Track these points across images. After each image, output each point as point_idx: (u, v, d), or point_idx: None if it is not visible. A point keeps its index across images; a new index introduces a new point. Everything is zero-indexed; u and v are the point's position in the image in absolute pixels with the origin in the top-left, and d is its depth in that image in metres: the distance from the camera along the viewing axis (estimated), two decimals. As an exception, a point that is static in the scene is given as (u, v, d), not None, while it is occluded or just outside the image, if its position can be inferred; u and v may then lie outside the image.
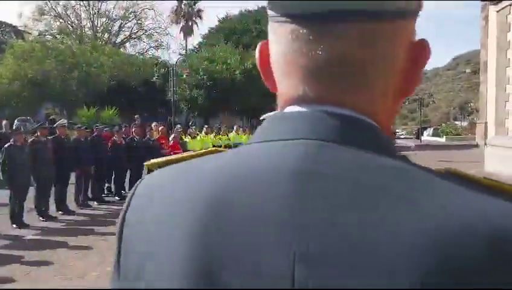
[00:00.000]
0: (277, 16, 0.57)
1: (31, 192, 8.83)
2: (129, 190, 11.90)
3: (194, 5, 52.13)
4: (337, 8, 0.52)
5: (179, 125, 15.74)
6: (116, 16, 42.35)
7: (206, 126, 16.76)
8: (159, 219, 0.54)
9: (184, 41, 49.38)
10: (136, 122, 17.86)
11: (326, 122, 0.53)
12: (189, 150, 12.04)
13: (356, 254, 0.45)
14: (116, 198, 11.43)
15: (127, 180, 11.94)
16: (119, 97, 29.38)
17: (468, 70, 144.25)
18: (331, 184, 0.48)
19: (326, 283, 0.45)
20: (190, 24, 51.58)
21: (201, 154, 0.65)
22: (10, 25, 38.87)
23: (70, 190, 10.09)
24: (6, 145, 8.39)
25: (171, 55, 68.76)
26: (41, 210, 9.04)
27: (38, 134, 9.22)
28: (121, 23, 43.10)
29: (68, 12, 40.63)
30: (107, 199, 11.34)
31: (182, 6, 51.55)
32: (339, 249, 0.45)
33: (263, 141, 0.55)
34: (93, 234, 7.80)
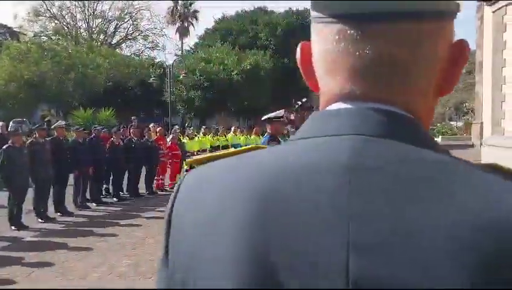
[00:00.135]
0: (322, 16, 0.59)
1: (29, 193, 8.79)
2: (127, 191, 11.93)
3: (190, 5, 52.06)
4: (383, 9, 0.54)
5: (176, 126, 15.72)
6: (111, 16, 42.26)
7: (204, 127, 16.74)
8: (209, 211, 0.56)
9: (180, 42, 49.34)
10: (133, 123, 17.84)
11: (372, 118, 0.55)
12: (187, 151, 12.02)
13: (403, 246, 0.46)
14: (114, 199, 11.40)
15: (124, 181, 11.92)
16: (115, 98, 29.33)
17: (463, 71, 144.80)
18: (378, 177, 0.50)
19: (378, 273, 0.46)
20: (186, 25, 51.49)
21: (243, 151, 0.67)
22: (5, 26, 38.72)
23: (69, 191, 10.05)
24: (4, 147, 8.36)
25: (167, 56, 68.60)
26: (40, 211, 9.01)
27: (37, 135, 9.19)
28: (117, 24, 43.03)
29: (63, 13, 40.53)
30: (105, 200, 11.30)
31: (178, 7, 51.47)
32: (389, 240, 0.47)
33: (310, 137, 0.57)
34: (93, 235, 7.78)
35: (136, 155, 11.75)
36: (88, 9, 40.91)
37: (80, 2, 39.97)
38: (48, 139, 9.55)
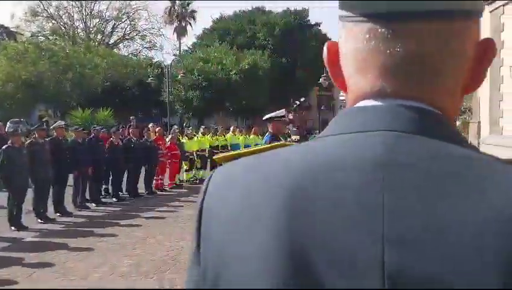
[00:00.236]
0: (352, 16, 0.60)
1: (29, 194, 8.77)
2: (126, 191, 11.92)
3: (188, 5, 52.02)
4: (414, 8, 0.55)
5: (176, 126, 15.69)
6: (109, 16, 42.17)
7: (203, 127, 16.71)
8: (241, 207, 0.56)
9: (178, 42, 49.31)
10: (132, 123, 17.82)
11: (402, 115, 0.56)
12: (187, 151, 12.00)
13: (435, 241, 0.48)
14: (114, 199, 11.39)
15: (124, 181, 11.91)
16: (113, 98, 29.28)
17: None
18: (410, 173, 0.51)
19: (412, 268, 0.47)
20: (184, 25, 51.46)
21: (270, 148, 0.68)
22: (2, 26, 38.58)
23: (68, 192, 10.04)
24: (4, 147, 8.34)
25: (165, 56, 68.65)
26: (40, 212, 8.99)
27: (36, 136, 9.17)
28: (114, 24, 42.91)
29: (60, 13, 40.41)
30: (104, 200, 11.29)
31: (175, 7, 51.42)
32: (421, 235, 0.48)
33: (340, 134, 0.58)
34: (93, 235, 7.77)
35: (135, 155, 11.74)
36: (85, 9, 40.82)
37: (77, 2, 39.86)
38: (47, 139, 9.53)
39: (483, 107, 17.86)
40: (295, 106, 38.55)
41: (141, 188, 12.32)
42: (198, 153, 14.78)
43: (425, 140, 0.54)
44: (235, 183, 0.60)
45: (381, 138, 0.54)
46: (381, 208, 0.50)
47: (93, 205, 10.67)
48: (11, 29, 38.43)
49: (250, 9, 38.16)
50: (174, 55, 41.08)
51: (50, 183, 9.27)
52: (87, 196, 10.73)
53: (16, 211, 8.41)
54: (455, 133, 0.57)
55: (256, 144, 17.64)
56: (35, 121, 31.39)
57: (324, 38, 36.80)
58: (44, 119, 27.32)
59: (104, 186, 11.71)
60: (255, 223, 0.54)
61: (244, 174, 0.60)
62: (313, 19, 36.69)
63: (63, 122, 10.85)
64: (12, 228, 8.24)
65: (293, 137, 4.94)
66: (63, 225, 8.75)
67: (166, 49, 66.90)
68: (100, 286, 5.31)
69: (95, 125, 12.66)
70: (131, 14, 43.05)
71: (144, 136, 12.62)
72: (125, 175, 11.87)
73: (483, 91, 17.91)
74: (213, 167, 15.67)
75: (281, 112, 5.79)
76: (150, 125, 13.98)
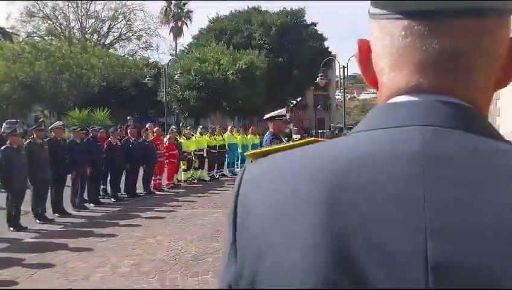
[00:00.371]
0: (387, 13, 0.61)
1: (27, 195, 8.75)
2: (124, 191, 11.91)
3: (184, 5, 51.97)
4: (450, 6, 0.57)
5: (174, 126, 15.69)
6: (105, 17, 42.06)
7: (200, 127, 16.70)
8: (280, 201, 0.57)
9: (174, 42, 49.26)
10: (129, 123, 17.79)
11: (439, 110, 0.57)
12: (184, 151, 11.97)
13: (475, 233, 0.49)
14: (112, 200, 11.37)
15: (122, 181, 11.90)
16: (109, 98, 29.23)
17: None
18: (449, 167, 0.53)
19: (455, 259, 0.49)
20: (180, 25, 51.42)
21: (303, 144, 0.69)
22: (-2, 27, 38.42)
23: (66, 192, 10.02)
24: (2, 148, 8.32)
25: (161, 56, 68.49)
26: (38, 213, 8.97)
27: (34, 136, 9.14)
28: (110, 24, 42.81)
29: (56, 13, 40.27)
30: (102, 200, 11.27)
31: (171, 7, 51.37)
32: (462, 227, 0.49)
33: (376, 129, 0.59)
34: (93, 235, 7.76)
35: (133, 155, 11.74)
36: (81, 10, 40.70)
37: (73, 2, 39.74)
38: (45, 140, 9.51)
39: (480, 105, 18.00)
40: (291, 105, 38.60)
41: (139, 188, 12.31)
42: (196, 152, 14.78)
43: (462, 134, 0.55)
44: (272, 177, 0.60)
45: (419, 132, 0.55)
46: (422, 201, 0.51)
47: (92, 205, 10.66)
48: (7, 29, 38.27)
49: (246, 9, 38.17)
50: (170, 55, 41.02)
51: (49, 183, 9.25)
52: (86, 197, 10.72)
53: (15, 211, 8.39)
54: (490, 128, 0.58)
55: (254, 144, 17.68)
56: (31, 122, 31.35)
57: (320, 38, 36.88)
58: (40, 120, 27.26)
59: (102, 186, 11.69)
60: (295, 216, 0.55)
61: (281, 168, 0.61)
62: (309, 18, 36.56)
63: (61, 123, 10.82)
64: (11, 228, 8.22)
65: (294, 136, 4.93)
66: (62, 226, 8.73)
67: (163, 49, 66.82)
68: (103, 287, 5.31)
69: (93, 126, 12.61)
70: (127, 14, 42.98)
71: (142, 136, 12.61)
72: (123, 175, 11.87)
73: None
74: (211, 167, 15.71)
75: (282, 111, 5.79)
76: (148, 125, 13.95)
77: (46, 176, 9.00)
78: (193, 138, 15.03)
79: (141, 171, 12.33)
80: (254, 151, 0.74)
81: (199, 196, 11.87)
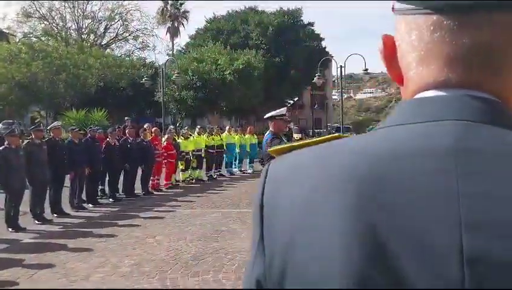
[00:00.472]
0: (415, 8, 0.61)
1: (26, 195, 8.72)
2: (122, 191, 11.89)
3: (180, 6, 51.92)
4: (481, 1, 0.57)
5: (172, 126, 15.67)
6: (101, 17, 41.98)
7: (198, 127, 16.70)
8: (310, 195, 0.57)
9: (171, 42, 49.21)
10: (127, 123, 17.76)
11: (470, 104, 0.57)
12: (182, 151, 11.94)
13: (510, 225, 0.49)
14: (110, 200, 11.35)
15: (120, 181, 11.89)
16: (107, 99, 29.17)
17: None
18: (482, 160, 0.53)
19: (491, 252, 0.49)
20: (176, 25, 51.37)
21: (327, 140, 0.69)
22: (-6, 27, 38.29)
23: (64, 192, 10.00)
24: (0, 148, 8.29)
25: (158, 56, 68.40)
26: (37, 213, 8.95)
27: (33, 136, 9.12)
28: (107, 25, 42.72)
29: (53, 13, 40.17)
30: (101, 201, 11.25)
31: (168, 7, 51.32)
32: (497, 220, 0.50)
33: (405, 124, 0.59)
34: (92, 236, 7.74)
35: (131, 155, 11.72)
36: (78, 10, 40.61)
37: (69, 3, 39.64)
38: (44, 140, 9.48)
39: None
40: (288, 105, 38.58)
41: (137, 188, 12.29)
42: (194, 152, 14.77)
43: (493, 129, 0.55)
44: (300, 172, 0.60)
45: (450, 127, 0.56)
46: (456, 194, 0.51)
47: (90, 205, 10.64)
48: (3, 30, 38.13)
49: (243, 9, 38.13)
50: (167, 55, 40.98)
51: (47, 184, 9.23)
52: (84, 197, 10.70)
53: (13, 212, 8.36)
54: None
55: (252, 144, 17.68)
56: (28, 122, 31.22)
57: (317, 37, 36.89)
58: (36, 121, 27.14)
59: (100, 187, 11.67)
60: (326, 211, 0.55)
61: (309, 163, 0.61)
62: (306, 18, 36.55)
63: (59, 123, 10.79)
64: (10, 229, 8.20)
65: (295, 135, 4.91)
66: (61, 226, 8.71)
67: (159, 49, 66.71)
68: (104, 287, 5.30)
69: (91, 126, 12.58)
70: (123, 14, 42.91)
71: (140, 136, 12.59)
72: (121, 175, 11.86)
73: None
74: (209, 167, 15.70)
75: (282, 110, 5.79)
76: (146, 125, 13.93)
77: (44, 176, 8.97)
78: (191, 138, 15.02)
79: (139, 172, 12.31)
80: (277, 147, 0.74)
81: (198, 196, 11.85)
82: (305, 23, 36.98)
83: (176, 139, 14.36)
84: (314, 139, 0.73)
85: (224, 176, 16.39)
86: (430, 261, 0.50)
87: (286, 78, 33.49)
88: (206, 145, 15.27)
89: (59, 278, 5.59)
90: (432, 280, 0.49)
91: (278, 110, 5.68)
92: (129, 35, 44.03)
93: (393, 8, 0.66)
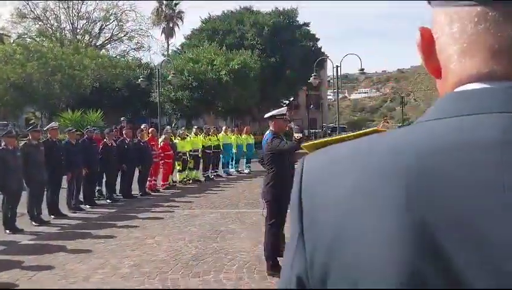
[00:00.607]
0: (457, 0, 0.60)
1: (23, 196, 8.67)
2: (120, 192, 11.84)
3: (175, 6, 51.88)
4: None
5: (168, 127, 15.64)
6: (96, 17, 41.86)
7: (195, 127, 16.69)
8: (354, 190, 0.56)
9: (166, 42, 49.15)
10: (123, 124, 17.71)
11: None
12: (179, 151, 11.88)
13: None
14: (108, 201, 11.31)
15: (117, 182, 11.85)
16: (102, 99, 29.10)
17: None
18: None
19: None
20: (171, 25, 51.32)
21: (364, 134, 0.68)
22: (-13, 28, 38.08)
23: (62, 194, 9.95)
24: (-3, 149, 8.24)
25: (153, 56, 68.35)
26: (34, 215, 8.90)
27: (30, 137, 9.07)
28: (102, 25, 42.59)
29: (47, 14, 40.01)
30: (98, 202, 11.19)
31: (163, 7, 51.25)
32: None
33: (449, 117, 0.58)
34: (90, 237, 7.70)
35: (129, 156, 11.69)
36: (72, 11, 40.47)
37: (64, 3, 39.50)
38: (41, 141, 9.43)
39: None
40: (284, 105, 38.63)
41: (134, 189, 12.25)
42: (191, 153, 14.75)
43: None
44: (340, 167, 0.59)
45: (496, 119, 0.55)
46: (502, 186, 0.50)
47: (88, 206, 10.59)
48: (-3, 31, 37.96)
49: (238, 9, 38.13)
50: (163, 55, 40.90)
51: (44, 185, 9.18)
52: (81, 198, 10.65)
53: (11, 214, 8.31)
54: None
55: (248, 144, 17.67)
56: (22, 124, 31.07)
57: (313, 38, 36.94)
58: (31, 122, 27.02)
59: (97, 187, 11.63)
60: (373, 205, 0.54)
61: (348, 158, 0.60)
62: (301, 18, 36.56)
63: (56, 124, 10.73)
64: (7, 231, 8.14)
65: (296, 135, 4.90)
66: (59, 227, 8.66)
67: (154, 50, 66.39)
68: (106, 287, 5.27)
69: (88, 127, 12.53)
70: (118, 15, 42.81)
71: (137, 137, 12.55)
72: (119, 176, 11.81)
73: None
74: (206, 167, 15.68)
75: (283, 109, 5.78)
76: (143, 126, 13.90)
77: (41, 177, 8.93)
78: (188, 138, 15.00)
79: (136, 172, 12.27)
80: (311, 142, 0.73)
81: (196, 197, 11.83)
82: (301, 23, 37.02)
83: (173, 139, 14.33)
84: (349, 134, 0.72)
85: (221, 176, 16.37)
86: (483, 255, 0.49)
87: (281, 78, 33.53)
88: (203, 146, 15.25)
89: (59, 280, 5.55)
90: (493, 273, 0.48)
91: (278, 110, 5.68)
92: (124, 35, 43.95)
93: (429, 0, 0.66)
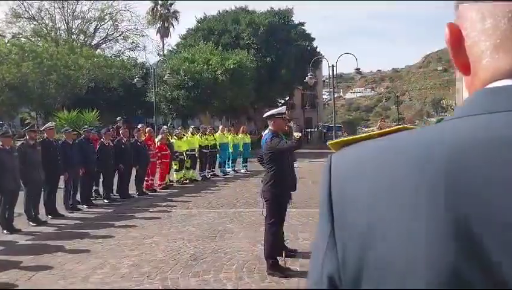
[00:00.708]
0: None
1: (20, 197, 8.63)
2: (117, 192, 11.81)
3: (170, 6, 51.75)
4: None
5: (165, 127, 15.60)
6: (91, 17, 41.67)
7: (192, 127, 16.67)
8: (386, 188, 0.56)
9: (161, 42, 49.02)
10: (119, 124, 17.64)
11: None
12: (176, 151, 11.84)
13: None
14: (105, 201, 11.27)
15: (114, 182, 11.81)
16: (98, 99, 28.98)
17: (439, 68, 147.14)
18: None
19: None
20: (167, 25, 51.19)
21: (391, 132, 0.68)
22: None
23: (59, 194, 9.91)
24: (-6, 150, 8.19)
25: (148, 56, 68.14)
26: (31, 215, 8.86)
27: (27, 137, 9.03)
28: (97, 25, 42.42)
29: (42, 14, 39.80)
30: (95, 202, 11.15)
31: (158, 7, 51.11)
32: None
33: (482, 114, 0.58)
34: (88, 237, 7.68)
35: (126, 156, 11.66)
36: (67, 10, 40.27)
37: (58, 3, 39.30)
38: (38, 141, 9.39)
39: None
40: (280, 104, 38.59)
41: (131, 189, 12.22)
42: (188, 152, 14.73)
43: None
44: (370, 165, 0.59)
45: None
46: None
47: (85, 206, 10.55)
48: (-9, 31, 37.72)
49: (233, 9, 38.05)
50: (158, 55, 40.80)
51: (41, 185, 9.14)
52: (78, 198, 10.61)
53: (8, 214, 8.28)
54: None
55: (245, 143, 17.65)
56: (18, 124, 30.90)
57: (308, 37, 36.92)
58: (26, 122, 26.89)
59: (94, 187, 11.59)
60: (408, 203, 0.54)
61: (379, 155, 0.60)
62: (296, 18, 36.45)
63: (53, 124, 10.68)
64: (5, 231, 8.11)
65: (295, 134, 4.88)
66: (56, 228, 8.63)
67: (150, 49, 66.39)
68: (106, 287, 5.26)
69: (85, 127, 12.49)
70: (113, 14, 42.62)
71: (134, 137, 12.52)
72: (116, 176, 11.77)
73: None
74: (203, 167, 15.66)
75: (282, 109, 5.79)
76: (140, 125, 13.86)
77: (38, 177, 8.89)
78: (185, 138, 14.97)
79: (133, 172, 12.24)
80: (338, 140, 0.73)
81: (193, 196, 11.81)
82: (296, 23, 37.00)
83: (170, 139, 14.30)
84: (377, 132, 0.72)
85: (218, 176, 16.36)
86: None
87: (277, 77, 33.47)
88: (199, 145, 15.23)
89: (58, 280, 5.54)
90: None
91: (277, 109, 5.69)
92: (119, 35, 43.78)
93: None
